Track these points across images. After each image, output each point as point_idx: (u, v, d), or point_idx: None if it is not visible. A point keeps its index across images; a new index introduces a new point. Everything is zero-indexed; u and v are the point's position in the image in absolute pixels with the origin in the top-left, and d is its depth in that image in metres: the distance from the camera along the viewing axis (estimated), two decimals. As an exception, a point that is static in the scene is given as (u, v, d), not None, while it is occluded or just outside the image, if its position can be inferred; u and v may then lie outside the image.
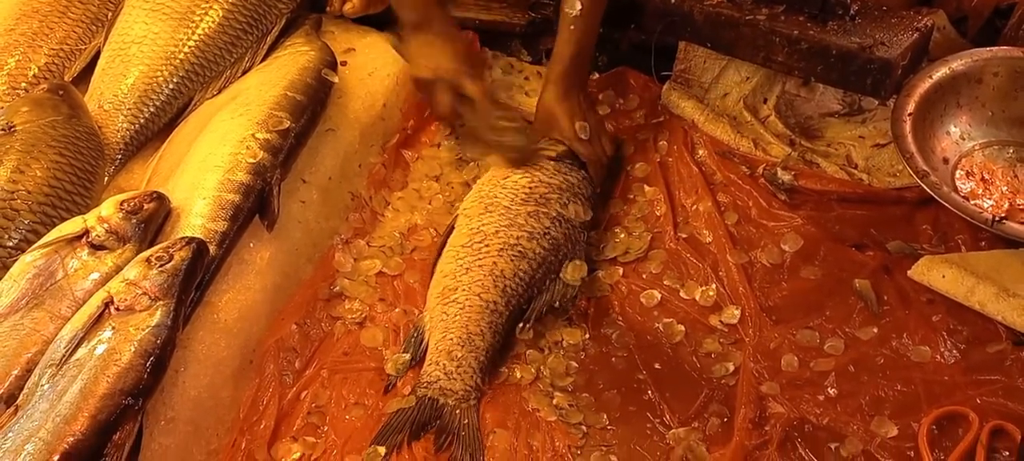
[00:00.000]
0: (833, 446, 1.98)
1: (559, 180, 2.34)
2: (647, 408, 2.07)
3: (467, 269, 2.19)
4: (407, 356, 2.13)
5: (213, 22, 2.49)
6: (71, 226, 2.05)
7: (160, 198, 2.12)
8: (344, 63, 2.60)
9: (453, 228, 2.29)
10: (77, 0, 2.57)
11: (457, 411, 2.03)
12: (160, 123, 2.43)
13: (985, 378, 2.04)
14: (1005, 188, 2.34)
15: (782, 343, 2.15)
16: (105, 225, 2.04)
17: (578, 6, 2.38)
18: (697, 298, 2.24)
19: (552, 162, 2.37)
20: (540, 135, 2.44)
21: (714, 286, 2.25)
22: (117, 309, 1.88)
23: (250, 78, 2.49)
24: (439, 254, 2.27)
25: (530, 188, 2.31)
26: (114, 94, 2.42)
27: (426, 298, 2.23)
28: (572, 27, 2.41)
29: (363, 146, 2.51)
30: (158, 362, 1.86)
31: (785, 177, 2.40)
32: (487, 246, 2.21)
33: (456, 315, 2.13)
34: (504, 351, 2.16)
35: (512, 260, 2.20)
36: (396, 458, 1.98)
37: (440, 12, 2.49)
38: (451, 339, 2.11)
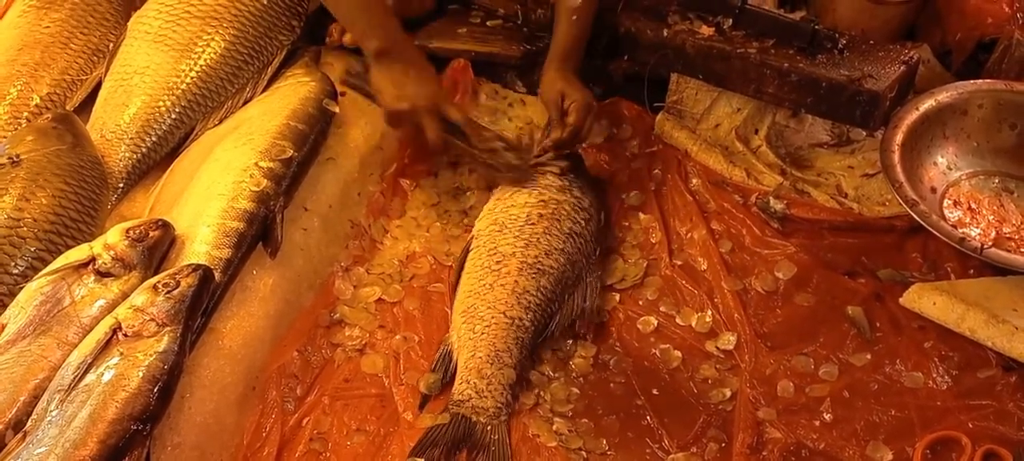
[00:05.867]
0: (830, 470, 2.00)
1: (567, 196, 2.39)
2: (646, 433, 2.09)
3: (491, 287, 2.22)
4: (437, 376, 2.15)
5: (215, 53, 2.52)
6: (77, 253, 2.07)
7: (165, 226, 2.15)
8: (343, 94, 2.63)
9: (469, 250, 2.32)
10: (79, 31, 2.60)
11: (488, 428, 2.06)
12: (162, 152, 2.46)
13: (977, 403, 2.07)
14: (992, 217, 2.38)
15: (778, 369, 2.17)
16: (111, 252, 2.06)
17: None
18: (693, 324, 2.27)
19: (558, 178, 2.42)
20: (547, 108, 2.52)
21: (710, 312, 2.28)
22: (125, 335, 1.90)
23: (252, 108, 2.52)
24: (458, 276, 2.29)
25: (542, 205, 2.36)
26: (116, 124, 2.44)
27: (428, 323, 2.27)
28: (574, 17, 2.53)
29: (362, 175, 2.54)
30: (166, 388, 1.88)
31: (777, 206, 2.44)
32: (507, 265, 2.25)
33: (483, 333, 2.16)
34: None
35: (533, 277, 2.23)
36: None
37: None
38: (480, 357, 2.13)
